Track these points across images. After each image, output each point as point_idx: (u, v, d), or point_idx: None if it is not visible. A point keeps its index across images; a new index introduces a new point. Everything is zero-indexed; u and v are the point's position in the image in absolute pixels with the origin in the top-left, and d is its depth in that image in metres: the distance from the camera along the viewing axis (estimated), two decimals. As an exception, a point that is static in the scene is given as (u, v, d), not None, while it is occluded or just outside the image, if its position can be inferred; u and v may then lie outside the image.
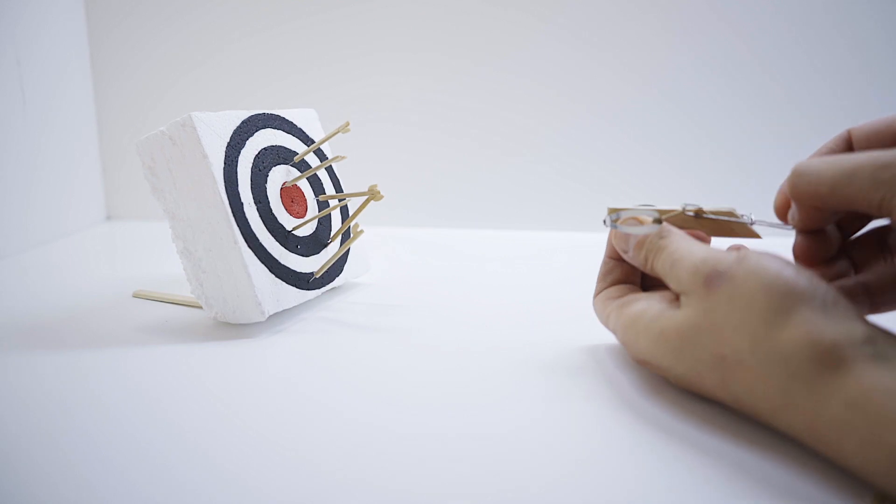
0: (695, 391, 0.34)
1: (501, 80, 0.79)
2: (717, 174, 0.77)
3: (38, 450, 0.32)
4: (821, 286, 0.30)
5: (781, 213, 0.37)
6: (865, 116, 0.75)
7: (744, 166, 0.76)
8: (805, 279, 0.30)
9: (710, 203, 0.40)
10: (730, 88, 0.75)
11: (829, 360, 0.28)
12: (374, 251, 0.61)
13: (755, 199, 0.69)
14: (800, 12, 0.73)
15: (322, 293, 0.53)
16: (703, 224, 0.39)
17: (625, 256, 0.39)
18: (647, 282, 0.42)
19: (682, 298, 0.34)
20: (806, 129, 0.74)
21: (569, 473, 0.30)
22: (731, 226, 0.38)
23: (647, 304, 0.36)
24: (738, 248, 0.35)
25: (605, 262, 0.42)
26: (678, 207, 0.39)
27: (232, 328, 0.47)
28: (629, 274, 0.41)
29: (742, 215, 0.38)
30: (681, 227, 0.39)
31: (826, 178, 0.31)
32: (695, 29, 0.75)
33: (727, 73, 0.75)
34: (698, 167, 0.77)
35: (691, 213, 0.39)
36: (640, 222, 0.38)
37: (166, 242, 0.51)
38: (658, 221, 0.37)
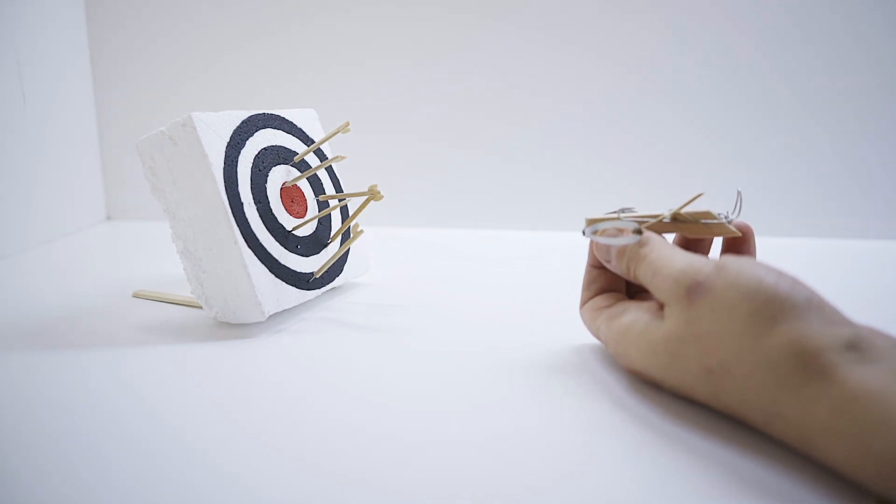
0: (689, 399, 0.34)
1: (502, 81, 0.79)
2: (718, 173, 0.77)
3: (38, 448, 0.32)
4: (804, 291, 0.30)
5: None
6: (865, 115, 0.75)
7: (743, 166, 0.76)
8: (787, 285, 0.30)
9: (718, 201, 0.40)
10: (731, 86, 0.75)
11: (814, 366, 0.28)
12: (374, 251, 0.61)
13: (754, 197, 0.69)
14: (797, 9, 0.73)
15: (322, 293, 0.53)
16: (681, 227, 0.39)
17: (608, 266, 0.39)
18: (632, 288, 0.42)
19: (666, 309, 0.34)
20: (802, 126, 0.74)
21: (566, 474, 0.30)
22: (709, 227, 0.38)
23: (636, 316, 0.36)
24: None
25: (588, 272, 0.42)
26: (656, 213, 0.39)
27: (232, 328, 0.47)
28: (613, 282, 0.41)
29: (719, 214, 0.38)
30: (660, 231, 0.39)
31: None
32: (694, 26, 0.75)
33: (727, 71, 0.75)
34: (698, 167, 0.77)
35: (667, 220, 0.39)
36: (620, 231, 0.38)
37: (166, 242, 0.51)
38: (638, 232, 0.37)
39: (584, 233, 0.40)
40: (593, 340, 0.43)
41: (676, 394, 0.35)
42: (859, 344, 0.28)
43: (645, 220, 0.39)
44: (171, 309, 0.52)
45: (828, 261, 0.66)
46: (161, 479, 0.30)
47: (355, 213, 0.51)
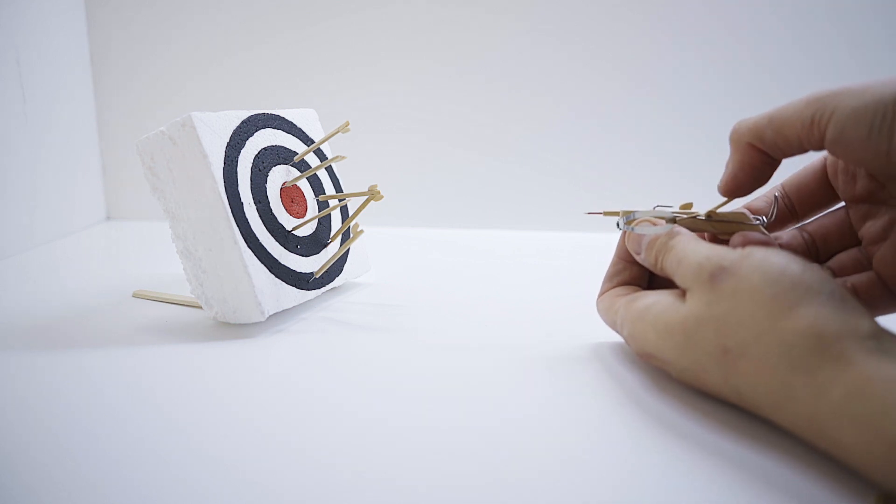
0: (698, 387, 0.34)
1: (502, 81, 0.79)
2: (720, 175, 0.76)
3: (39, 448, 0.32)
4: (829, 282, 0.30)
5: (730, 191, 0.38)
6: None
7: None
8: (812, 275, 0.30)
9: (713, 204, 0.40)
10: (733, 88, 0.75)
11: (831, 351, 0.28)
12: (374, 251, 0.61)
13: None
14: (794, 13, 0.73)
15: (322, 293, 0.53)
16: (714, 226, 0.39)
17: (637, 258, 0.40)
18: (655, 286, 0.42)
19: (688, 294, 0.34)
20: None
21: (573, 468, 0.30)
22: (742, 229, 0.38)
23: (656, 299, 0.36)
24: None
25: (614, 263, 0.42)
26: (691, 211, 0.40)
27: (232, 328, 0.47)
28: (637, 277, 0.41)
29: (754, 218, 0.39)
30: (692, 229, 0.39)
31: (763, 115, 0.35)
32: (697, 27, 0.75)
33: (729, 73, 0.75)
34: (702, 167, 0.77)
35: (702, 217, 0.39)
36: (653, 224, 0.39)
37: (166, 242, 0.51)
38: (672, 221, 0.38)
39: (618, 224, 0.40)
40: (599, 338, 0.43)
41: (685, 380, 0.35)
42: (880, 336, 0.28)
43: (679, 216, 0.39)
44: (171, 309, 0.52)
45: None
46: (164, 477, 0.30)
47: (355, 213, 0.51)
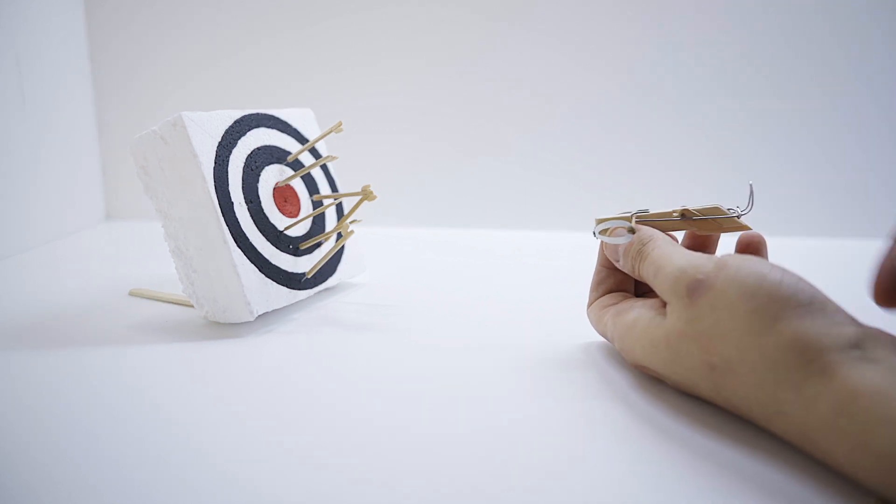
0: (693, 395, 0.34)
1: (499, 81, 0.78)
2: (720, 173, 0.76)
3: (36, 445, 0.33)
4: (808, 289, 0.30)
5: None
6: (859, 116, 0.74)
7: (744, 166, 0.75)
8: (790, 283, 0.30)
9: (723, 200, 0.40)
10: (731, 90, 0.74)
11: (815, 365, 0.27)
12: (370, 251, 0.61)
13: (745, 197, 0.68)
14: (790, 8, 0.72)
15: (315, 293, 0.52)
16: (692, 224, 0.39)
17: (617, 265, 0.40)
18: (641, 289, 0.42)
19: (668, 306, 0.34)
20: (795, 125, 0.73)
21: (573, 468, 0.30)
22: (718, 222, 0.38)
23: (640, 313, 0.36)
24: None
25: (597, 272, 0.42)
26: (667, 210, 0.39)
27: (222, 327, 0.47)
28: (622, 282, 0.41)
29: (729, 209, 0.38)
30: (671, 229, 0.39)
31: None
32: (696, 32, 0.74)
33: (727, 76, 0.74)
34: (701, 167, 0.76)
35: (677, 217, 0.39)
36: (625, 231, 0.39)
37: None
38: (631, 231, 0.38)
39: (594, 233, 0.40)
40: (596, 338, 0.43)
41: (680, 389, 0.34)
42: (863, 343, 0.28)
43: (654, 219, 0.39)
44: (166, 307, 0.52)
45: (827, 261, 0.65)
46: (154, 471, 0.30)
47: (348, 214, 0.50)
